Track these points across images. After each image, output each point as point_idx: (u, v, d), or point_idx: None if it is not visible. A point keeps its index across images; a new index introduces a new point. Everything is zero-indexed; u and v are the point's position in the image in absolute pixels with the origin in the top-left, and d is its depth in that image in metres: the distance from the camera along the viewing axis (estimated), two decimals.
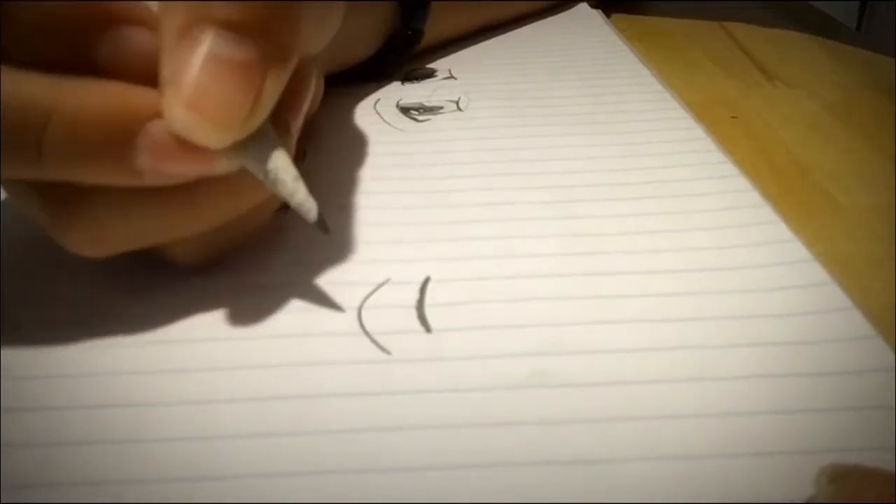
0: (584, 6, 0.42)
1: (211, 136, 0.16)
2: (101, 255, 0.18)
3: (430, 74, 0.34)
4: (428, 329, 0.18)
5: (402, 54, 0.33)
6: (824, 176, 0.26)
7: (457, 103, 0.31)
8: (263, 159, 0.17)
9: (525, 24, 0.40)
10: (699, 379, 0.17)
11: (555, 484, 0.15)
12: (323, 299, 0.19)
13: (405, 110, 0.30)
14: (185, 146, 0.16)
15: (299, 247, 0.21)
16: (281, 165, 0.17)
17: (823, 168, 0.27)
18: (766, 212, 0.23)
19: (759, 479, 0.15)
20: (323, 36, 0.19)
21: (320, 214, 0.17)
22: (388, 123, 0.29)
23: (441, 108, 0.30)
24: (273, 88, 0.16)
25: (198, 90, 0.15)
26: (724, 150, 0.26)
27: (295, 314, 0.19)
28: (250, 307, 0.19)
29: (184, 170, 0.17)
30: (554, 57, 0.36)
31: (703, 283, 0.20)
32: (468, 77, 0.33)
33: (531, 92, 0.32)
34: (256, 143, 0.17)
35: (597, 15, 0.41)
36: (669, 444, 0.15)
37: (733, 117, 0.31)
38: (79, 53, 0.16)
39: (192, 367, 0.18)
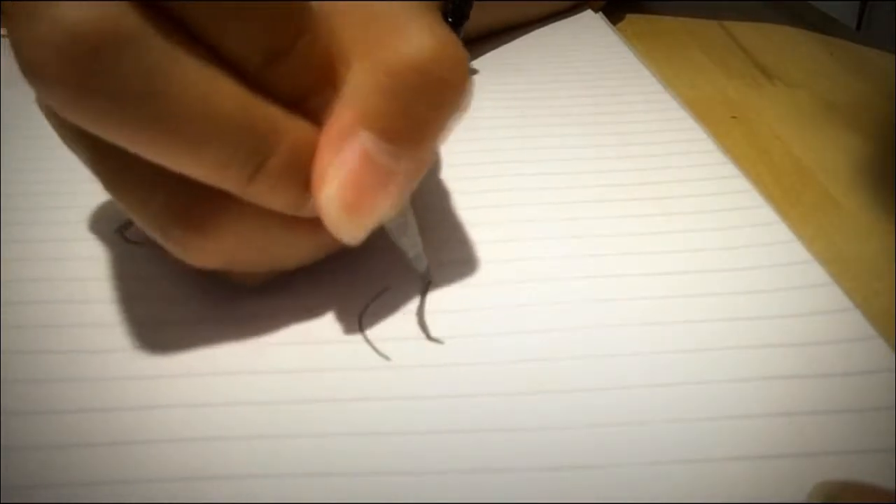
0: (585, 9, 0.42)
1: (353, 232, 0.17)
2: (209, 267, 0.18)
3: None
4: (428, 335, 0.18)
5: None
6: (824, 176, 0.26)
7: None
8: (395, 216, 0.18)
9: (526, 26, 0.40)
10: (699, 382, 0.17)
11: (554, 488, 0.15)
12: (324, 306, 0.19)
13: None
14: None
15: None
16: (408, 221, 0.19)
17: (823, 168, 0.27)
18: (765, 212, 0.23)
19: (760, 481, 0.15)
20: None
21: (427, 268, 0.20)
22: None
23: None
24: (408, 192, 0.18)
25: (349, 187, 0.16)
26: (724, 150, 0.26)
27: (295, 320, 0.19)
28: (250, 313, 0.19)
29: None
30: (554, 58, 0.36)
31: (702, 285, 0.20)
32: None
33: (531, 92, 0.32)
34: None
35: (597, 17, 0.41)
36: (671, 447, 0.15)
37: (733, 117, 0.31)
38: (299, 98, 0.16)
39: (193, 372, 0.18)
